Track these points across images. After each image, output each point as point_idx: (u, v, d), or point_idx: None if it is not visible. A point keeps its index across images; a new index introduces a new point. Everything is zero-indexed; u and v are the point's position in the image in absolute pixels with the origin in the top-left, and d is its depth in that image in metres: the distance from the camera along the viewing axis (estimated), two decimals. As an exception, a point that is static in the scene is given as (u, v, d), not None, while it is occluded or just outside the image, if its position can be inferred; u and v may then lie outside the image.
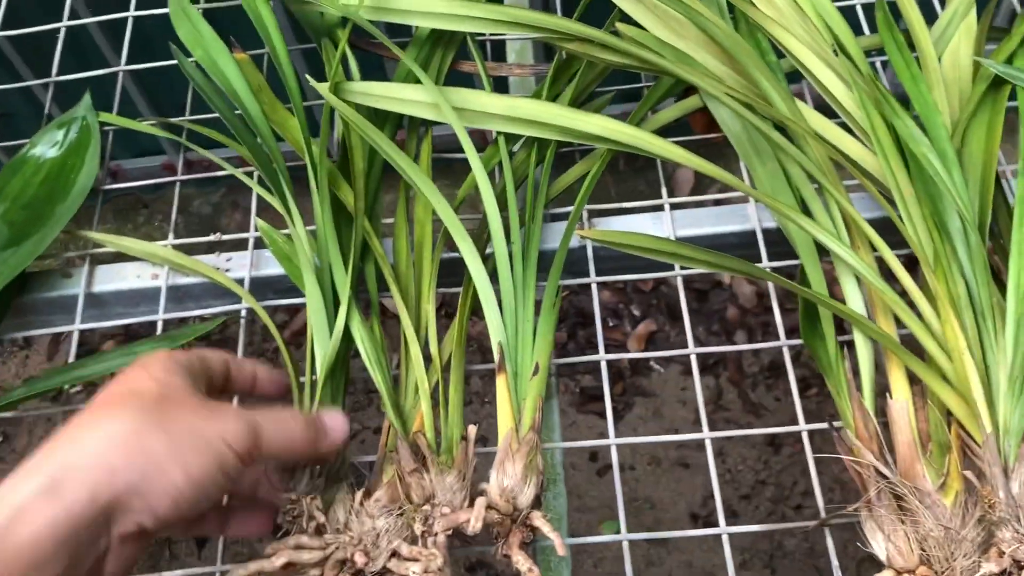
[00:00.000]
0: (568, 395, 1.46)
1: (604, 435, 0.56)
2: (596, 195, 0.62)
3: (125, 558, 0.39)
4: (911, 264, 0.55)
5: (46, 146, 0.65)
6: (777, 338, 0.59)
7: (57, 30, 0.74)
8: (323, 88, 0.57)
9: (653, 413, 1.46)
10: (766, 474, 1.40)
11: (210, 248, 0.62)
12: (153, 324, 0.60)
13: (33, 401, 0.56)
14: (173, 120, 0.67)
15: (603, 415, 1.45)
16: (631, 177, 1.66)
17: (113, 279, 0.61)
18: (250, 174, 0.63)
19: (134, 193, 1.58)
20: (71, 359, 0.59)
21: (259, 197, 0.62)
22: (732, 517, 1.36)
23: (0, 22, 0.77)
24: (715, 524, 0.54)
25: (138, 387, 0.41)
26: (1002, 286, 0.52)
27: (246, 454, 0.41)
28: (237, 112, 0.61)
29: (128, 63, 0.73)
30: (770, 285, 0.58)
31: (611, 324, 1.51)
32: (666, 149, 0.58)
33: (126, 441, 0.38)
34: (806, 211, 0.58)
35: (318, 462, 0.48)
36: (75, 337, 0.60)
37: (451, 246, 0.60)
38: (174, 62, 0.65)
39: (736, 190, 0.56)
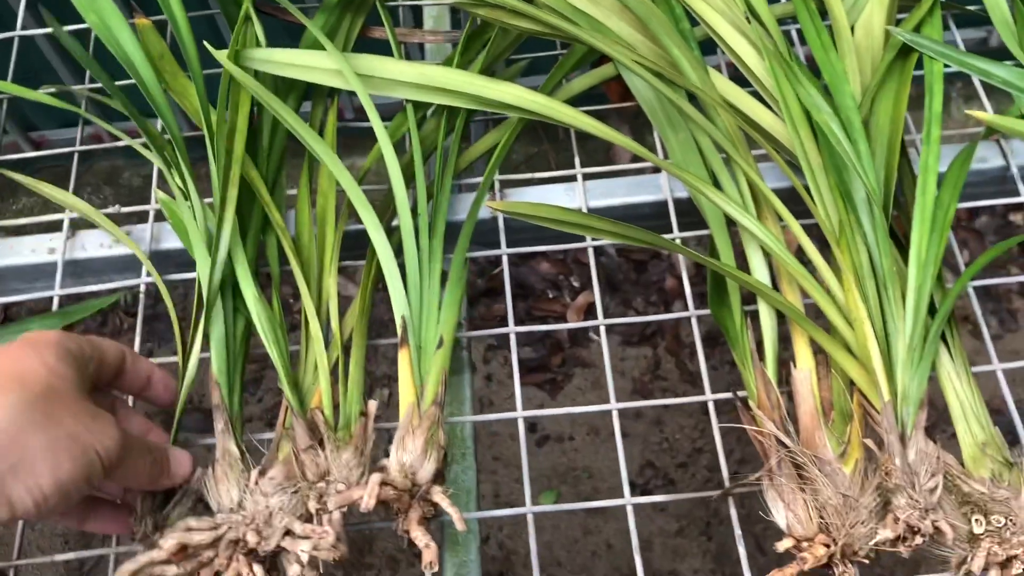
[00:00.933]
0: (507, 367, 1.46)
1: (543, 406, 0.56)
2: (534, 164, 0.61)
3: None
4: (819, 235, 0.55)
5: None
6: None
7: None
8: (221, 55, 0.55)
9: (592, 383, 1.46)
10: (703, 442, 1.41)
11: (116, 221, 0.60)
12: (50, 300, 0.58)
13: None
14: (70, 88, 0.64)
15: (543, 386, 1.46)
16: (577, 142, 1.65)
17: (8, 254, 0.59)
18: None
19: (63, 164, 1.54)
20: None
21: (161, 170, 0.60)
22: (669, 485, 1.37)
23: None
24: (652, 492, 0.54)
25: (26, 372, 0.40)
26: (906, 255, 0.52)
27: (112, 469, 0.41)
28: (131, 82, 0.58)
29: (35, 26, 0.71)
30: (681, 257, 0.58)
31: (551, 296, 1.51)
32: (576, 118, 0.57)
33: (5, 431, 0.37)
34: (716, 182, 0.58)
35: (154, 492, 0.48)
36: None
37: (356, 218, 0.59)
38: (78, 26, 0.63)
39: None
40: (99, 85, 0.65)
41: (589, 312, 1.49)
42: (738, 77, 0.62)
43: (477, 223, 0.61)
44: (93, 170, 1.59)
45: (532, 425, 1.41)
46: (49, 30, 0.67)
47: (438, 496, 0.47)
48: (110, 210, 0.60)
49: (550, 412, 0.58)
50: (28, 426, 0.38)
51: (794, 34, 0.69)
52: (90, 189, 1.56)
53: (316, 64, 0.58)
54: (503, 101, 0.58)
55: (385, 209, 0.58)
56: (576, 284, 1.54)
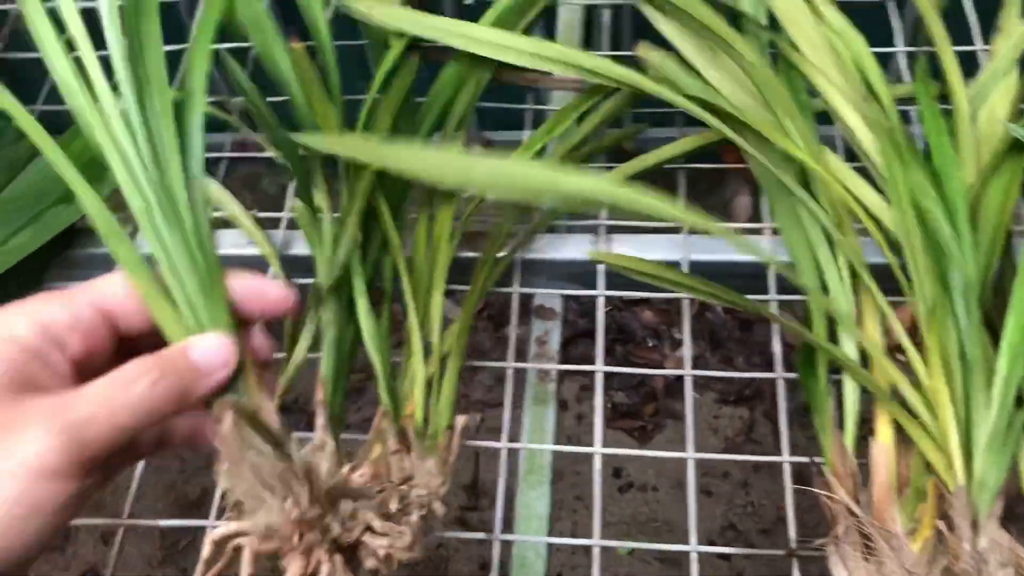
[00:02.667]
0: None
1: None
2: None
3: None
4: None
5: (111, 112, 0.69)
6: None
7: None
8: None
9: (682, 437, 1.46)
10: (766, 506, 1.39)
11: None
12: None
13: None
14: (222, 99, 0.71)
15: (632, 433, 1.47)
16: (697, 198, 1.67)
17: (153, 243, 0.65)
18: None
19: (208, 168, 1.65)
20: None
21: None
22: (750, 549, 1.36)
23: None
24: (730, 556, 0.55)
25: None
26: (998, 342, 0.53)
27: (69, 468, 0.29)
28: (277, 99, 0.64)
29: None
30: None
31: (650, 344, 1.52)
32: (652, 207, 0.57)
33: None
34: (815, 254, 0.59)
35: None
36: (112, 293, 0.64)
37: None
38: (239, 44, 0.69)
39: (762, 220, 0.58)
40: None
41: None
42: (850, 151, 0.63)
43: (575, 264, 0.64)
44: (234, 175, 1.70)
45: (617, 471, 1.41)
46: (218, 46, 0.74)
47: None
48: (247, 215, 0.65)
49: (627, 452, 0.60)
50: None
51: (912, 114, 0.70)
52: (231, 192, 1.66)
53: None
54: (581, 191, 0.59)
55: (492, 241, 0.62)
56: (677, 336, 1.55)
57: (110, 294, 0.34)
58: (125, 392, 0.31)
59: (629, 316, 1.51)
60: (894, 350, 0.55)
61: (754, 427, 1.47)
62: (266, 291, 0.38)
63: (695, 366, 1.51)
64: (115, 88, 0.42)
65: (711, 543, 1.39)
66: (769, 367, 0.59)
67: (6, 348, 0.31)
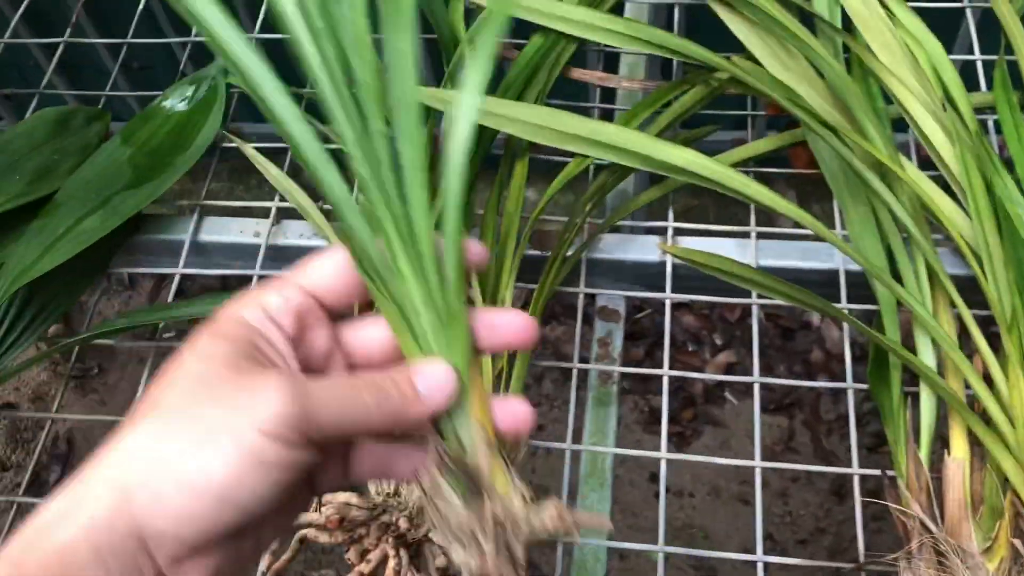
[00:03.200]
0: (637, 413, 1.47)
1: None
2: (692, 216, 0.64)
3: None
4: (989, 321, 0.55)
5: (176, 99, 0.69)
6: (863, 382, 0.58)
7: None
8: (427, 96, 0.60)
9: (720, 444, 1.45)
10: (827, 522, 1.37)
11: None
12: (249, 278, 0.64)
13: (127, 338, 0.60)
14: (295, 91, 0.71)
15: (671, 438, 1.46)
16: (733, 203, 1.66)
17: (219, 231, 0.66)
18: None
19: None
20: (170, 300, 0.63)
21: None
22: (815, 561, 1.35)
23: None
24: (769, 565, 0.54)
25: (169, 383, 0.33)
26: (1081, 359, 0.51)
27: (295, 437, 0.31)
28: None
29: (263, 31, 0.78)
30: (847, 329, 0.59)
31: (690, 348, 1.51)
32: (746, 185, 0.58)
33: (138, 452, 0.31)
34: (891, 258, 0.58)
35: (415, 429, 0.36)
36: (176, 280, 0.64)
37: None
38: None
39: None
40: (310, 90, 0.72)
41: (728, 371, 1.48)
42: (926, 159, 0.62)
43: (642, 265, 0.63)
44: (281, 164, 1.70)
45: (653, 475, 1.41)
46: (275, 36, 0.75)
47: None
48: (315, 206, 0.65)
49: (689, 457, 0.59)
50: (163, 440, 0.31)
51: (991, 124, 0.69)
52: (298, 166, 1.67)
53: (503, 112, 0.61)
54: (672, 163, 0.58)
55: (561, 239, 0.61)
56: (718, 342, 1.54)
57: (318, 278, 0.36)
58: (353, 397, 0.33)
59: (670, 320, 1.50)
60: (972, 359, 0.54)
61: (794, 436, 1.45)
62: (504, 323, 0.37)
63: (733, 371, 1.51)
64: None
65: (748, 552, 1.38)
66: (810, 376, 0.58)
67: (236, 327, 0.33)
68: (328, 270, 0.36)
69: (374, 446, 0.37)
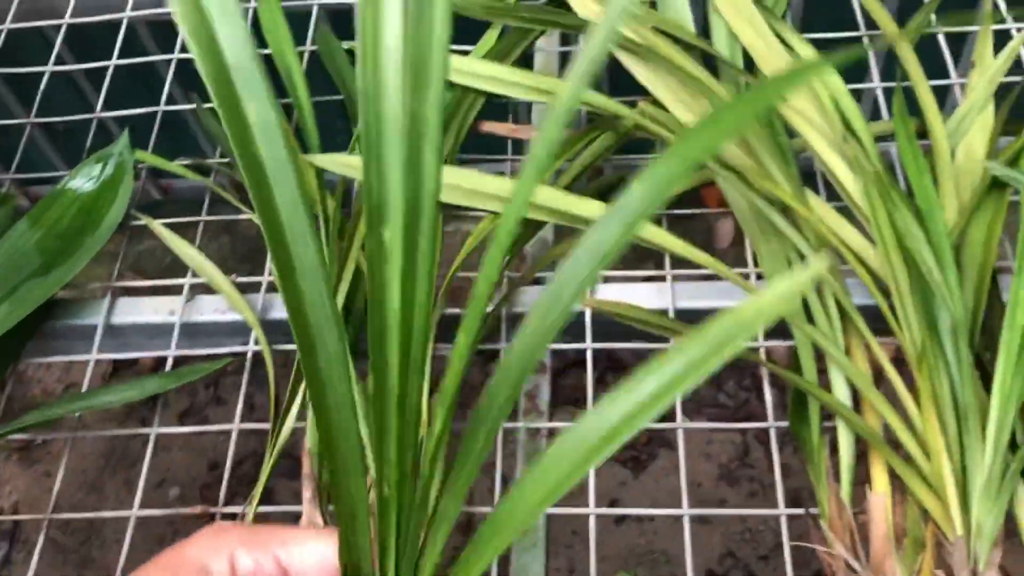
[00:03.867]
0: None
1: (624, 484, 0.57)
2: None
3: None
4: (900, 355, 0.56)
5: (83, 179, 0.68)
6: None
7: (104, 69, 0.78)
8: (331, 162, 0.59)
9: (675, 466, 1.45)
10: (793, 537, 1.38)
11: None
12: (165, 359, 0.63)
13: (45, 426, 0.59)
14: (205, 162, 0.70)
15: (625, 464, 1.46)
16: (681, 221, 1.67)
17: (132, 312, 0.64)
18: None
19: (189, 212, 1.65)
20: (87, 387, 0.62)
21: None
22: (747, 581, 1.35)
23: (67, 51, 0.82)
24: None
25: None
26: (991, 384, 0.52)
27: None
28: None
29: (171, 102, 0.77)
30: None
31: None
32: (662, 238, 0.58)
33: None
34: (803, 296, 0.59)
35: None
36: (91, 366, 0.63)
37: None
38: (210, 104, 0.68)
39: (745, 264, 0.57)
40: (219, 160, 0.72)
41: (678, 393, 1.49)
42: (832, 192, 0.63)
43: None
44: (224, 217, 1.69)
45: (613, 501, 1.40)
46: (192, 106, 0.74)
47: None
48: (227, 280, 0.64)
49: (616, 511, 0.59)
50: None
51: (893, 151, 0.70)
52: (209, 235, 1.65)
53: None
54: (583, 216, 0.59)
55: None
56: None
57: (299, 561, 0.34)
58: None
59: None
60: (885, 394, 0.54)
61: (748, 451, 1.46)
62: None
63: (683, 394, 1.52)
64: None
65: (710, 572, 1.38)
66: (758, 391, 0.58)
67: None
68: (313, 559, 0.34)
69: None
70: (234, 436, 0.58)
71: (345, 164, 0.60)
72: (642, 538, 1.42)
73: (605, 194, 0.69)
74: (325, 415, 0.35)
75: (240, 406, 0.60)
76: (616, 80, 0.66)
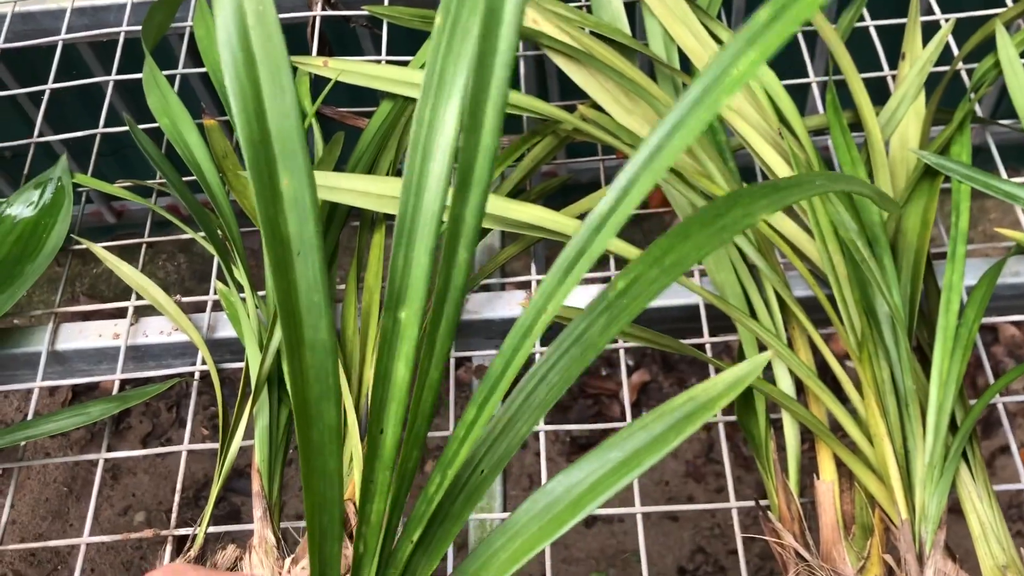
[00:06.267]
0: (558, 444, 1.47)
1: None
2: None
3: None
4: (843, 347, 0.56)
5: (22, 206, 0.68)
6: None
7: (42, 92, 0.77)
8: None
9: (643, 464, 1.46)
10: (755, 529, 1.39)
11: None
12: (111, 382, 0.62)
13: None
14: (144, 183, 0.70)
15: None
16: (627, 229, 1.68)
17: (76, 337, 0.64)
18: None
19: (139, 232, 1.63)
20: (30, 416, 0.61)
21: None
22: (720, 572, 1.36)
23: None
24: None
25: None
26: (930, 369, 0.53)
27: None
28: (192, 179, 0.63)
29: (112, 122, 0.76)
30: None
31: (604, 373, 1.52)
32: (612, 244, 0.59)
33: None
34: (743, 287, 0.59)
35: None
36: (35, 394, 0.62)
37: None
38: (150, 125, 0.68)
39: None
40: (159, 180, 0.71)
41: (642, 391, 1.50)
42: (773, 186, 0.64)
43: (511, 321, 0.63)
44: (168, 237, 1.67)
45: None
46: (117, 130, 0.73)
47: None
48: (173, 299, 0.64)
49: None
50: None
51: (830, 143, 0.71)
52: (165, 256, 1.64)
53: (348, 186, 0.61)
54: (524, 221, 0.59)
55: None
56: (631, 363, 1.55)
57: None
58: None
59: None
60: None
61: (713, 447, 1.47)
62: None
63: (647, 390, 1.53)
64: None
65: (681, 569, 1.38)
66: None
67: None
68: None
69: None
70: (183, 457, 0.58)
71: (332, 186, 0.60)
72: (613, 539, 1.42)
73: (550, 197, 0.70)
74: (313, 483, 0.35)
75: (189, 427, 0.59)
76: (564, 85, 0.67)
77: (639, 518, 0.57)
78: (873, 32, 0.74)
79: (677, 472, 1.45)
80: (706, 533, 1.42)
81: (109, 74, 0.77)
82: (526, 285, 0.66)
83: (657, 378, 1.52)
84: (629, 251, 0.58)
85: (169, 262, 1.66)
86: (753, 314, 0.58)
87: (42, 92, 0.77)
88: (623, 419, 1.53)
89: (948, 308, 0.53)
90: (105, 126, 0.75)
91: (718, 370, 0.60)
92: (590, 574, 1.36)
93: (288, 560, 0.50)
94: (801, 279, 0.61)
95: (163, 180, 0.72)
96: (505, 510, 0.59)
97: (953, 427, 0.52)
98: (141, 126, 0.69)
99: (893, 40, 0.71)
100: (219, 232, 0.61)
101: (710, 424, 1.41)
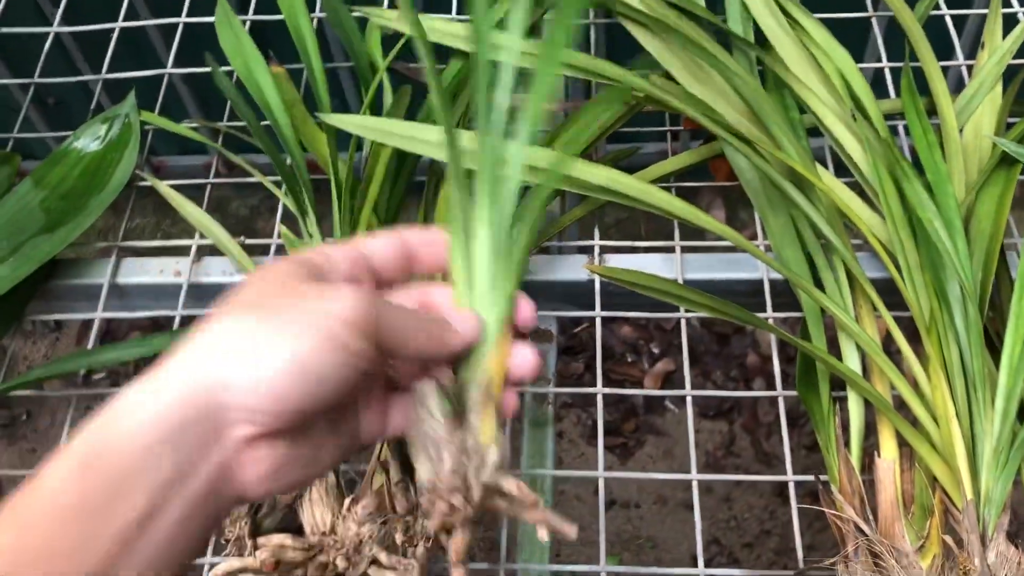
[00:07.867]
0: (580, 427, 1.47)
1: (611, 469, 0.57)
2: (624, 228, 0.64)
3: (259, 472, 0.34)
4: (910, 326, 0.56)
5: (88, 139, 0.68)
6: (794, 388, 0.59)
7: (112, 29, 0.78)
8: (349, 122, 0.59)
9: (663, 453, 1.46)
10: (771, 524, 1.39)
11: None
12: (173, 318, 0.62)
13: (56, 383, 0.58)
14: (212, 124, 0.70)
15: (613, 450, 1.46)
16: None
17: (138, 272, 0.64)
18: (280, 183, 0.65)
19: (178, 189, 1.63)
20: (92, 345, 0.61)
21: (286, 207, 0.64)
22: (734, 564, 1.36)
23: (61, 17, 0.81)
24: (716, 567, 0.55)
25: (242, 294, 0.36)
26: (998, 356, 0.53)
27: (368, 332, 0.35)
28: (266, 123, 0.63)
29: (178, 65, 0.76)
30: (771, 337, 0.59)
31: (629, 360, 1.52)
32: (671, 204, 0.59)
33: (223, 338, 0.33)
34: (812, 265, 0.59)
35: (448, 360, 0.39)
36: (96, 324, 0.62)
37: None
38: (216, 69, 0.68)
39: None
40: (227, 123, 0.71)
41: (667, 380, 1.50)
42: (841, 166, 0.63)
43: (572, 285, 0.63)
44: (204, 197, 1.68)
45: (598, 488, 1.41)
46: (192, 70, 0.73)
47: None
48: (237, 240, 0.64)
49: (628, 475, 0.59)
50: (245, 324, 0.33)
51: (900, 128, 0.70)
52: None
53: (426, 137, 0.61)
54: (593, 183, 0.59)
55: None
56: (656, 351, 1.55)
57: (372, 248, 0.40)
58: (413, 317, 0.38)
59: (607, 332, 1.51)
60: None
61: (734, 440, 1.47)
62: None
63: (672, 381, 1.53)
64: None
65: (695, 558, 1.39)
66: (746, 380, 0.58)
67: (304, 257, 0.37)
68: (388, 247, 0.40)
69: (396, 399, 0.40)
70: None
71: (359, 125, 0.60)
72: (628, 524, 1.43)
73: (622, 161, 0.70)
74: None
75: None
76: (632, 50, 0.66)
77: (695, 484, 0.57)
78: (948, 20, 0.73)
79: (698, 463, 1.45)
80: (722, 525, 1.41)
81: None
82: (587, 250, 0.65)
83: (682, 368, 1.52)
84: (697, 216, 0.57)
85: (215, 212, 1.67)
86: (821, 289, 0.57)
87: (109, 31, 0.77)
88: (645, 408, 1.53)
89: (1022, 296, 0.53)
90: (174, 66, 0.75)
91: (784, 343, 0.60)
92: (605, 557, 1.36)
93: (348, 500, 0.50)
94: (869, 260, 0.61)
95: (231, 124, 0.72)
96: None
97: (1021, 415, 0.51)
98: (204, 69, 0.69)
99: (941, 31, 0.70)
100: (292, 175, 0.61)
101: (742, 410, 1.39)
